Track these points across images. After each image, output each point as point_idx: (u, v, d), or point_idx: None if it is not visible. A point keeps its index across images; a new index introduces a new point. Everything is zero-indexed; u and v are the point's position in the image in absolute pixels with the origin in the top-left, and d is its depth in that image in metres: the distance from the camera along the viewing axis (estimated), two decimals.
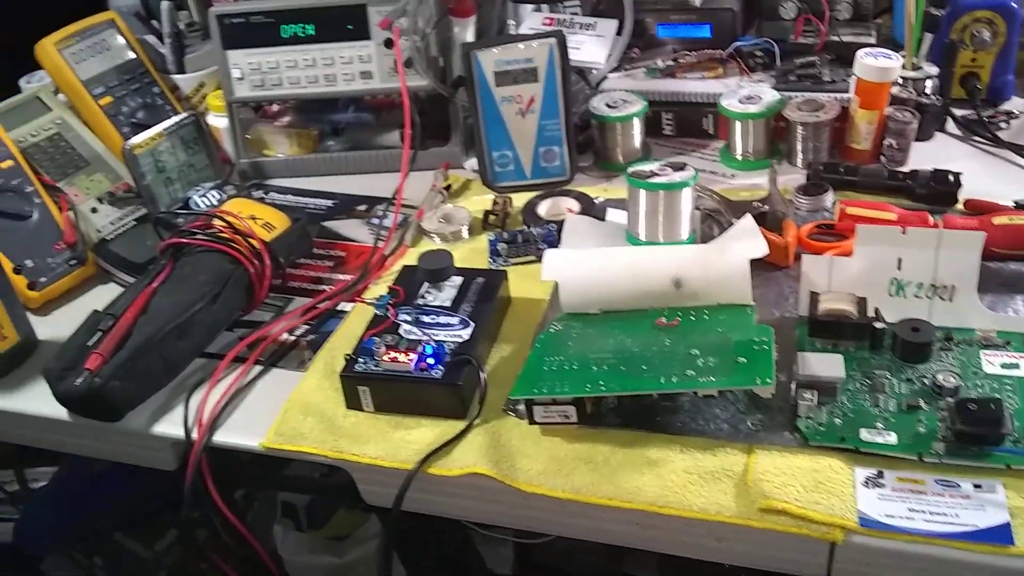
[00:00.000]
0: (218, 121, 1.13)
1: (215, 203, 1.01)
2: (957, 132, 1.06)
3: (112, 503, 1.29)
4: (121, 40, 1.11)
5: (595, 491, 0.67)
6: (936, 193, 0.91)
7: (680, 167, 0.84)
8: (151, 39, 1.18)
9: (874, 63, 0.96)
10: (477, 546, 1.19)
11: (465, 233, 0.98)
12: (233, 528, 0.81)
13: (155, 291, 0.84)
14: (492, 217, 0.99)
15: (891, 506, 0.63)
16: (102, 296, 0.94)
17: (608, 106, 1.05)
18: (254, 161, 1.14)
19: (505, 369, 0.79)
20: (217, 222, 0.90)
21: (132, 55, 1.11)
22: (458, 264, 0.87)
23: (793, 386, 0.70)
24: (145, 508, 1.29)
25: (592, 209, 0.98)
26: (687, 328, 0.76)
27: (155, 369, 0.81)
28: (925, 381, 0.71)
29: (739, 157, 1.05)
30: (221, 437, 0.78)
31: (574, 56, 1.05)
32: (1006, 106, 1.08)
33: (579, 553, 1.14)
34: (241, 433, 0.78)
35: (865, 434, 0.67)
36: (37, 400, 0.83)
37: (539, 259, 0.89)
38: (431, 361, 0.75)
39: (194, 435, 0.78)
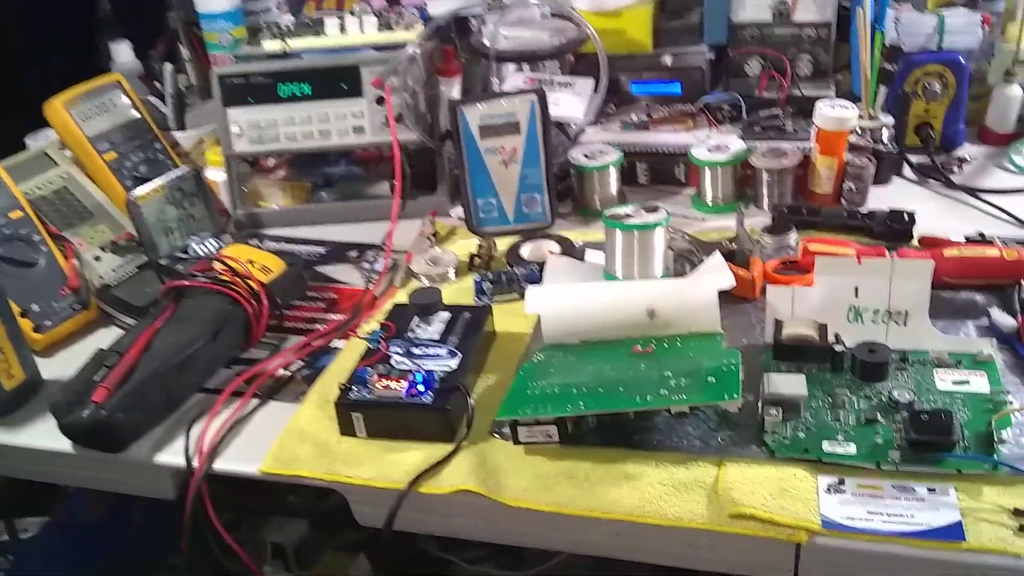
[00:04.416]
0: (216, 175, 1.19)
1: (213, 251, 1.07)
2: (913, 177, 1.13)
3: (102, 551, 1.31)
4: (126, 100, 1.17)
5: (576, 504, 0.72)
6: (892, 231, 0.98)
7: (653, 209, 0.91)
8: (153, 99, 1.25)
9: (832, 113, 1.03)
10: None
11: (452, 275, 1.03)
12: (230, 556, 0.85)
13: (158, 330, 0.89)
14: (477, 260, 1.05)
15: (852, 509, 0.67)
16: (104, 339, 0.98)
17: (586, 156, 1.12)
18: (250, 212, 1.19)
19: (491, 397, 0.83)
20: (217, 265, 0.95)
21: (136, 114, 1.18)
22: (445, 303, 0.92)
23: (760, 404, 0.75)
24: (135, 555, 1.31)
25: (572, 251, 1.03)
26: (661, 354, 0.81)
27: (157, 402, 0.85)
28: (882, 397, 0.76)
29: (709, 202, 1.11)
30: (221, 465, 0.82)
31: (553, 111, 1.12)
32: (959, 152, 1.15)
33: None
34: (240, 461, 0.81)
35: (827, 446, 0.72)
36: (41, 435, 0.87)
37: (522, 297, 0.94)
38: (421, 388, 0.80)
39: (195, 463, 0.82)
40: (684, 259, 0.97)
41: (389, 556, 0.80)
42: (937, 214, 1.04)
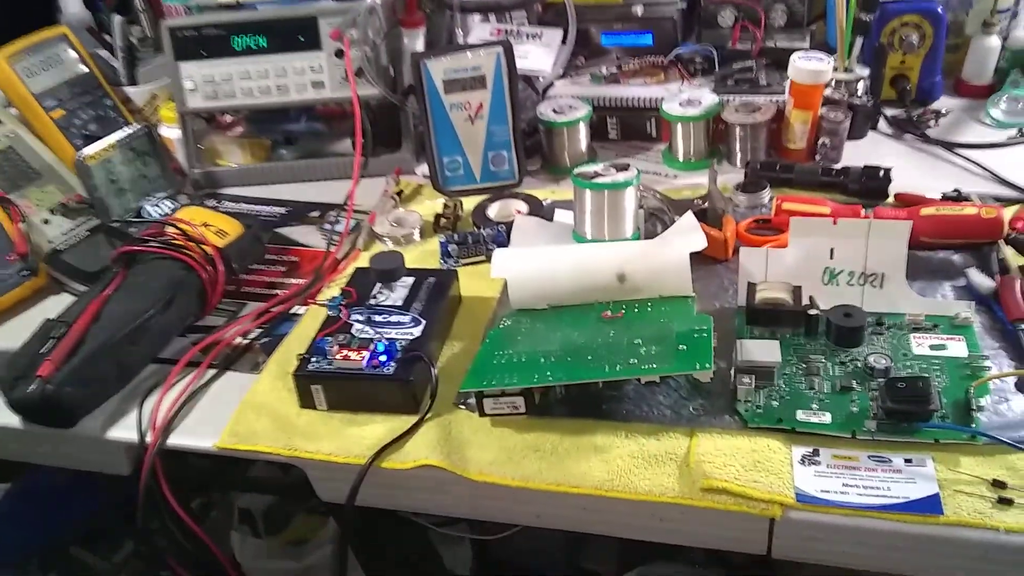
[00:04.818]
0: (171, 132, 1.14)
1: (168, 212, 1.03)
2: (889, 131, 1.10)
3: (67, 517, 1.28)
4: (73, 54, 1.12)
5: (543, 478, 0.69)
6: (868, 188, 0.95)
7: (623, 167, 0.87)
8: (103, 53, 1.19)
9: (806, 65, 1.00)
10: (436, 547, 1.20)
11: (417, 236, 1.00)
12: (189, 531, 0.82)
13: (108, 298, 0.85)
14: (443, 220, 1.01)
15: (826, 482, 0.65)
16: (54, 306, 0.94)
17: (555, 111, 1.08)
18: (207, 171, 1.15)
19: (456, 365, 0.80)
20: (170, 229, 0.91)
21: (84, 69, 1.12)
22: (410, 266, 0.89)
23: (732, 372, 0.73)
24: (101, 521, 1.28)
25: (540, 210, 1.00)
26: (631, 320, 0.78)
27: (108, 375, 0.81)
28: (858, 364, 0.74)
29: (681, 158, 1.08)
30: (175, 440, 0.78)
31: (521, 64, 1.08)
32: (935, 105, 1.13)
33: (536, 549, 1.15)
34: (195, 435, 0.78)
35: (801, 415, 0.70)
36: None
37: (489, 259, 0.91)
38: (383, 358, 0.77)
39: (148, 438, 0.78)
40: (655, 218, 0.94)
41: (356, 525, 0.77)
42: (913, 169, 1.01)
